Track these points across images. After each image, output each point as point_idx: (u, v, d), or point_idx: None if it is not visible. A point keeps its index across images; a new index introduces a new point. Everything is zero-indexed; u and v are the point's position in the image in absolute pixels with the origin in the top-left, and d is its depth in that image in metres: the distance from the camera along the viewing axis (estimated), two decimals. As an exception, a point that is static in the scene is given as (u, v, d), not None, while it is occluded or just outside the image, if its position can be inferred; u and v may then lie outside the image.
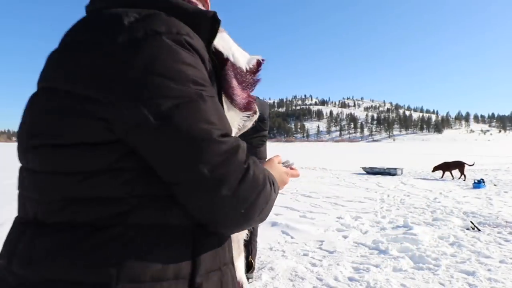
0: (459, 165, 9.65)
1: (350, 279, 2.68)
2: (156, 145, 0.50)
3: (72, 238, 0.49)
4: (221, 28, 0.64)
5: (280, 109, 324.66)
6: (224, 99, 0.66)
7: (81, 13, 0.63)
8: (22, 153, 0.57)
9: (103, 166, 0.51)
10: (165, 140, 0.50)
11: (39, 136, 0.53)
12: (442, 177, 9.84)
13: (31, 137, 0.54)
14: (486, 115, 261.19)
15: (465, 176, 9.41)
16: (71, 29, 0.57)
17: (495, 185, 8.10)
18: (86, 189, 0.51)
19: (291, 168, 0.83)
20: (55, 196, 0.52)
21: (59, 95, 0.52)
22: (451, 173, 9.82)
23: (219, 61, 0.63)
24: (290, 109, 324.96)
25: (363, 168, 11.74)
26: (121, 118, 0.49)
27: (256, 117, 0.77)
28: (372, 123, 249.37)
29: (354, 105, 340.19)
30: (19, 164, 0.60)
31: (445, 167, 9.90)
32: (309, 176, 10.10)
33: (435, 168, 10.00)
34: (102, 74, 0.49)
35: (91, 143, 0.50)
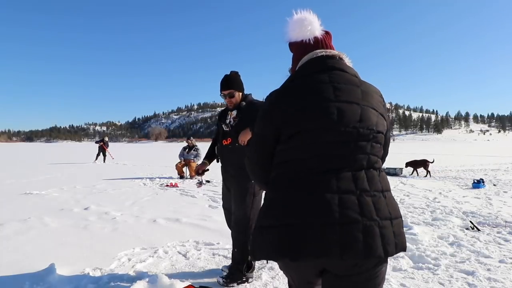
0: (424, 163, 10.84)
1: (350, 279, 2.68)
2: (388, 137, 1.31)
3: (379, 174, 1.18)
4: None
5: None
6: None
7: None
8: (357, 135, 1.15)
9: (382, 143, 1.24)
10: (389, 137, 1.32)
11: (377, 128, 1.19)
12: (412, 174, 10.99)
13: (375, 127, 1.18)
14: (486, 115, 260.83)
15: (429, 172, 10.60)
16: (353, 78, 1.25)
17: (494, 185, 8.11)
18: (380, 152, 1.23)
19: None
20: (381, 154, 1.25)
21: (378, 110, 1.21)
22: (416, 171, 11.03)
23: None
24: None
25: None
26: (387, 125, 1.25)
27: None
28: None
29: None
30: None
31: (414, 164, 11.09)
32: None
33: (407, 164, 11.23)
34: (385, 107, 1.28)
35: (383, 132, 1.23)
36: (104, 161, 16.95)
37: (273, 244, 1.11)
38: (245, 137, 2.46)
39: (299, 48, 1.33)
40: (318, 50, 1.28)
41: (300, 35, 1.31)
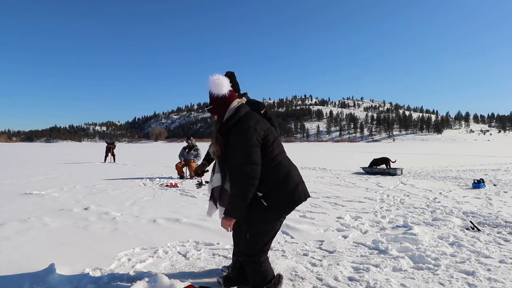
0: (385, 161, 11.58)
1: (350, 279, 2.68)
2: None
3: None
4: None
5: (280, 109, 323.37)
6: None
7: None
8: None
9: None
10: None
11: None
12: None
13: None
14: (486, 115, 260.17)
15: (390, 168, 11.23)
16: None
17: (494, 185, 8.10)
18: None
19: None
20: None
21: None
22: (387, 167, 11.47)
23: None
24: (290, 109, 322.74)
25: (363, 168, 11.73)
26: None
27: None
28: (372, 123, 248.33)
29: (354, 105, 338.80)
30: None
31: (375, 163, 11.63)
32: (309, 176, 10.10)
33: (370, 164, 11.67)
34: None
35: None
36: (109, 161, 17.55)
37: (299, 195, 2.12)
38: None
39: (220, 97, 2.14)
40: (238, 99, 2.22)
41: (219, 90, 2.13)
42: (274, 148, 2.09)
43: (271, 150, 2.08)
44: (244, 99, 2.26)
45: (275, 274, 2.25)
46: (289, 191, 2.08)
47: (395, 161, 12.02)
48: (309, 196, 2.21)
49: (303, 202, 2.20)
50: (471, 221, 4.28)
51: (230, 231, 2.15)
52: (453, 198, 6.36)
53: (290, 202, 2.10)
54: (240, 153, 2.00)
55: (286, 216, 2.21)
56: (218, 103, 2.15)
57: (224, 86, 2.14)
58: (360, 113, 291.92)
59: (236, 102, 2.17)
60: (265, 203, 2.05)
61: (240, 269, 2.47)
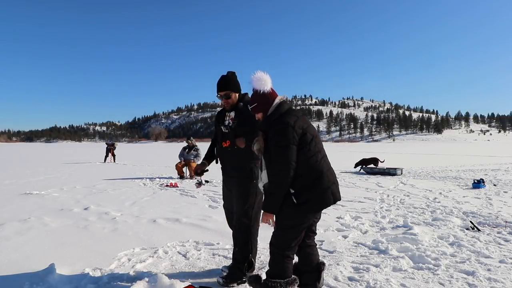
0: (374, 161, 11.71)
1: (350, 279, 2.68)
2: None
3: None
4: None
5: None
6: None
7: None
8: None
9: None
10: None
11: None
12: (360, 170, 11.76)
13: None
14: (486, 115, 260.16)
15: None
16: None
17: (494, 185, 8.11)
18: None
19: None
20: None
21: None
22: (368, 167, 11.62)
23: None
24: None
25: (363, 168, 11.73)
26: None
27: None
28: (372, 123, 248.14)
29: (354, 105, 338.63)
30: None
31: (364, 162, 11.77)
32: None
33: (356, 164, 11.83)
34: None
35: None
36: (109, 161, 17.68)
37: (329, 198, 2.11)
38: (240, 144, 2.50)
39: (265, 95, 2.20)
40: (280, 96, 2.27)
41: (263, 87, 2.19)
42: (311, 148, 2.10)
43: (307, 150, 2.08)
44: (285, 96, 2.29)
45: (293, 276, 2.24)
46: (319, 192, 2.08)
47: (383, 161, 12.20)
48: (339, 199, 2.19)
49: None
50: (471, 221, 4.28)
51: (272, 226, 2.18)
52: (453, 198, 6.36)
53: (319, 203, 2.10)
54: (276, 151, 2.06)
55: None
56: (263, 100, 2.20)
57: (268, 83, 2.20)
58: (360, 113, 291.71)
59: (278, 99, 2.22)
60: (294, 200, 2.07)
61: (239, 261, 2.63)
